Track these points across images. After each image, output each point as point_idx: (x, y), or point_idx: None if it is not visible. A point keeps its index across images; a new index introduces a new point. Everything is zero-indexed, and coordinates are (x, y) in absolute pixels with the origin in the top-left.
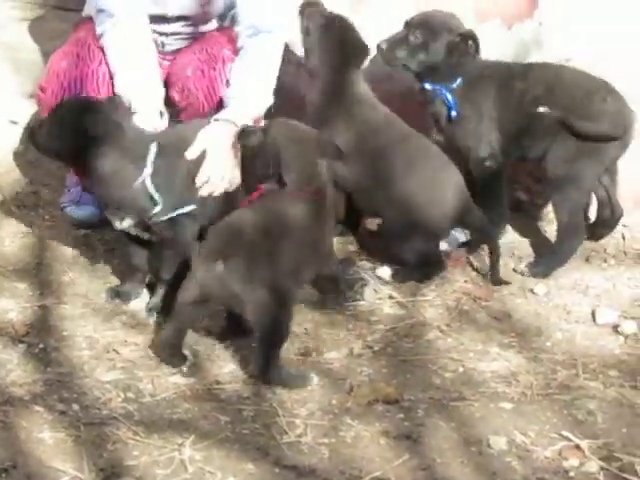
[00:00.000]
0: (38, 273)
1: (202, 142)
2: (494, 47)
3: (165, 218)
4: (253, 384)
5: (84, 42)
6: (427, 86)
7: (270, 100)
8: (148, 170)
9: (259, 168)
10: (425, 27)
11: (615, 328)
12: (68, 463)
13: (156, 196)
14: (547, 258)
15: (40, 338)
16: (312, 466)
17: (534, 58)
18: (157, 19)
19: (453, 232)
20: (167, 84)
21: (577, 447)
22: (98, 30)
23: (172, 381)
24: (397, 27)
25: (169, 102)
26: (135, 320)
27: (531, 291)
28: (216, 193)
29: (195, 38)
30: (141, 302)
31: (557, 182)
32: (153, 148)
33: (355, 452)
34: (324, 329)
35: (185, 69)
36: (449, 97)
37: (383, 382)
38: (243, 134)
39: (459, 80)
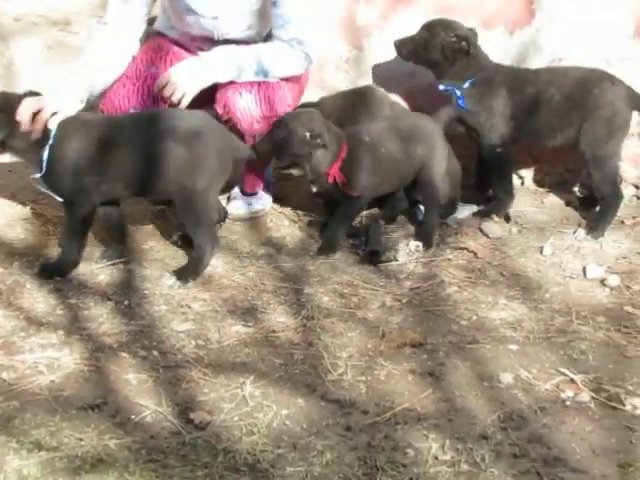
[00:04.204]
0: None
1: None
2: (499, 50)
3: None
4: (302, 332)
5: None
6: (441, 87)
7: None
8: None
9: None
10: (426, 28)
11: (602, 281)
12: (149, 400)
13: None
14: (600, 222)
15: (125, 296)
16: (352, 400)
17: (533, 59)
18: (204, 40)
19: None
20: (213, 100)
21: (572, 381)
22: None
23: (235, 330)
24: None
25: (217, 115)
26: (203, 280)
27: (540, 251)
28: (175, 96)
29: None
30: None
31: (596, 161)
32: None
33: (387, 387)
34: (361, 286)
35: (227, 90)
36: (458, 94)
37: (410, 329)
38: None
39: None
